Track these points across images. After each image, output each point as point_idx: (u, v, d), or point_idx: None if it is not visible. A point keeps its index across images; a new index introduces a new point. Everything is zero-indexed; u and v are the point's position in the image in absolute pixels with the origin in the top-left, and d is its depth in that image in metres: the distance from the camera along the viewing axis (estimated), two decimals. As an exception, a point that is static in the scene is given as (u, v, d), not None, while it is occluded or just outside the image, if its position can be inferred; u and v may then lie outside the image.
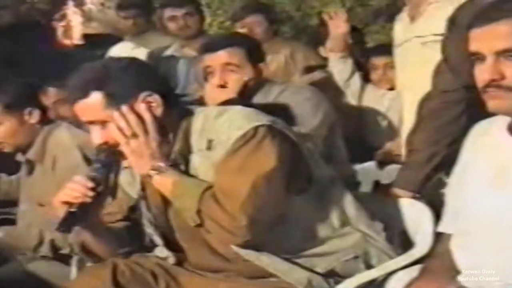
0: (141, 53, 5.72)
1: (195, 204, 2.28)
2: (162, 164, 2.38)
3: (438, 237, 2.38)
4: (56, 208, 2.36)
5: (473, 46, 2.05)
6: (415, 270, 2.32)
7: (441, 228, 2.35)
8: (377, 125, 4.39)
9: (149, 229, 2.61)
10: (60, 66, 5.42)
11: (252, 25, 5.12)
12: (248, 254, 2.38)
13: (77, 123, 3.10)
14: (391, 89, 4.32)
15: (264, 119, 2.36)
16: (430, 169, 2.97)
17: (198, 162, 2.41)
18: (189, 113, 2.47)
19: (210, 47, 3.30)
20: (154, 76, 2.50)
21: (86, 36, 8.21)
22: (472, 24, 2.06)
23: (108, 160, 2.41)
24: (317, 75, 4.55)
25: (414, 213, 2.72)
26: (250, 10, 5.26)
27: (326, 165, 2.56)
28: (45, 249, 3.20)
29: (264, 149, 2.30)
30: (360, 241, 2.49)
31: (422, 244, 2.58)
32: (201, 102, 3.36)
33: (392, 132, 4.26)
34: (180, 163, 2.42)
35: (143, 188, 2.58)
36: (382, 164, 3.96)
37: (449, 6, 3.04)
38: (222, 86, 3.19)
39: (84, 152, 3.21)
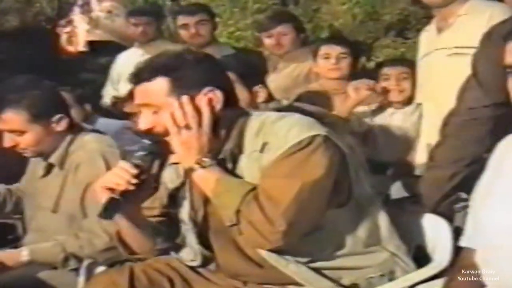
0: (150, 61, 5.74)
1: (237, 203, 2.27)
2: (208, 160, 2.36)
3: (459, 251, 2.36)
4: (98, 193, 2.35)
5: (510, 59, 2.03)
6: (436, 284, 2.31)
7: (463, 243, 2.32)
8: (387, 139, 4.36)
9: (186, 226, 2.59)
10: (63, 72, 5.43)
11: (279, 36, 5.12)
12: (277, 261, 2.37)
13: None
14: (403, 101, 4.29)
15: (321, 129, 2.37)
16: (450, 188, 2.95)
17: (246, 164, 2.40)
18: (246, 115, 2.47)
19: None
20: (221, 73, 2.49)
21: (89, 43, 8.20)
22: (509, 37, 2.04)
23: (153, 148, 2.39)
24: None
25: (432, 228, 2.71)
26: (278, 20, 5.23)
27: (367, 183, 2.54)
28: (72, 263, 3.15)
29: (316, 158, 2.30)
30: (388, 261, 2.50)
31: (441, 259, 2.57)
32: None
33: (403, 145, 4.23)
34: (228, 162, 2.41)
35: (183, 184, 2.57)
36: (393, 178, 3.94)
37: (479, 19, 3.04)
38: None
39: (108, 161, 3.18)
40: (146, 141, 2.40)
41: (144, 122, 2.42)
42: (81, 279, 3.03)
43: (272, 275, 2.42)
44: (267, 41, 5.22)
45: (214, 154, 2.39)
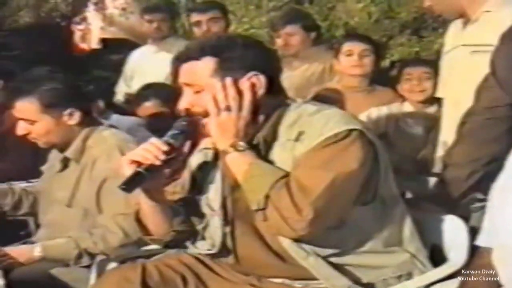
0: (163, 57, 5.73)
1: (267, 187, 2.27)
2: (242, 144, 2.37)
3: (475, 251, 2.34)
4: (123, 166, 2.34)
5: None
6: (452, 284, 2.30)
7: (480, 242, 2.30)
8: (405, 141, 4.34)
9: (212, 212, 2.56)
10: (76, 69, 5.43)
11: (287, 36, 5.12)
12: (296, 252, 2.37)
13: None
14: (424, 101, 4.27)
15: (358, 124, 2.37)
16: (467, 187, 2.93)
17: (279, 152, 2.40)
18: (285, 105, 2.47)
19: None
20: (269, 60, 2.50)
21: (103, 41, 8.22)
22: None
23: (186, 128, 2.39)
24: None
25: (448, 227, 2.69)
26: (286, 20, 5.25)
27: (394, 184, 2.53)
28: (85, 260, 3.13)
29: (351, 152, 2.30)
30: (407, 262, 2.49)
31: (457, 258, 2.55)
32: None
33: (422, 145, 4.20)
34: (261, 149, 2.41)
35: (211, 169, 2.57)
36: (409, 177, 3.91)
37: (506, 15, 2.99)
38: None
39: (124, 155, 3.15)
40: (181, 121, 2.41)
41: (184, 101, 2.43)
42: (93, 275, 3.01)
43: (291, 269, 2.41)
44: (277, 41, 5.23)
45: (248, 140, 2.39)
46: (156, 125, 4.42)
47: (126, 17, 8.19)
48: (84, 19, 8.54)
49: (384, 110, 4.35)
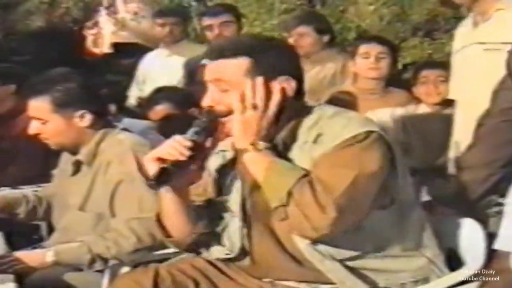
0: (176, 61, 5.78)
1: (289, 185, 2.27)
2: (263, 143, 2.37)
3: (493, 254, 2.32)
4: (147, 164, 2.37)
5: None
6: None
7: (497, 246, 2.28)
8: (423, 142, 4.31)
9: (232, 214, 2.55)
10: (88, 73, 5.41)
11: (298, 37, 5.10)
12: (313, 255, 2.36)
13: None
14: (439, 104, 4.25)
15: (377, 127, 2.39)
16: (484, 190, 2.90)
17: (297, 154, 2.41)
18: (307, 109, 2.48)
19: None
20: (298, 65, 2.52)
21: (114, 45, 8.22)
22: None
23: (208, 125, 2.40)
24: None
25: (464, 230, 2.66)
26: (298, 21, 5.24)
27: (412, 188, 2.54)
28: (98, 265, 3.09)
29: (371, 153, 2.32)
30: (424, 267, 2.47)
31: (474, 262, 2.53)
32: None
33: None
34: (280, 150, 2.41)
35: (230, 171, 2.57)
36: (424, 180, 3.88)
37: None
38: None
39: (139, 159, 3.13)
40: (202, 119, 2.41)
41: (208, 98, 2.44)
42: (105, 280, 3.00)
43: (306, 272, 2.40)
44: (288, 41, 5.17)
45: (268, 141, 2.39)
46: (168, 129, 4.41)
47: (137, 21, 8.17)
48: (96, 24, 8.52)
49: (399, 112, 4.32)
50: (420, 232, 2.49)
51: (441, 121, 4.16)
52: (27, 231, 3.84)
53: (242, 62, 2.39)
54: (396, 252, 2.43)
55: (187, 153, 2.32)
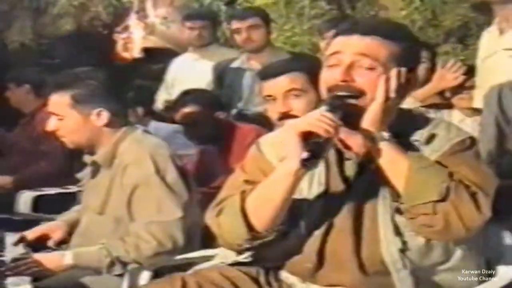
0: (204, 65, 5.76)
1: (445, 180, 2.19)
2: (387, 134, 2.27)
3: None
4: (290, 139, 2.21)
5: None
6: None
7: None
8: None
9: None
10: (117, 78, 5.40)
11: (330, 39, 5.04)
12: (396, 262, 2.27)
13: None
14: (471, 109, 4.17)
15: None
16: None
17: None
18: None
19: (269, 74, 3.13)
20: None
21: (144, 50, 8.22)
22: None
23: (338, 104, 2.25)
24: None
25: (496, 239, 2.61)
26: (331, 24, 5.13)
27: None
28: (118, 268, 3.04)
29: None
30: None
31: (506, 271, 2.48)
32: (265, 115, 3.27)
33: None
34: None
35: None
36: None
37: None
38: (286, 113, 3.02)
39: (156, 162, 3.10)
40: (333, 96, 2.28)
41: (346, 73, 2.27)
42: (125, 284, 2.96)
43: (366, 283, 2.31)
44: (321, 44, 5.19)
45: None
46: (193, 131, 4.39)
47: (167, 26, 8.17)
48: (126, 28, 8.53)
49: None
50: (477, 248, 2.42)
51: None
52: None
53: (394, 48, 2.30)
54: (450, 265, 2.34)
55: (336, 130, 2.18)
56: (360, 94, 2.26)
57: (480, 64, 3.72)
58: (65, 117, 3.18)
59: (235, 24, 5.50)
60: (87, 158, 3.32)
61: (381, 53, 2.28)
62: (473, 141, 2.34)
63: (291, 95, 3.01)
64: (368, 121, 2.26)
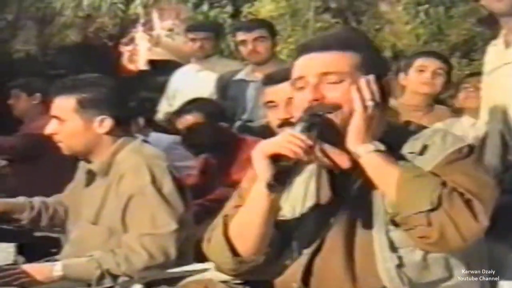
0: (206, 76, 5.73)
1: (437, 188, 2.11)
2: (382, 146, 2.23)
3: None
4: (258, 161, 2.16)
5: None
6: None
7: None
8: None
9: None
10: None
11: None
12: (393, 279, 2.21)
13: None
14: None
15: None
16: None
17: None
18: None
19: (273, 80, 3.12)
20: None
21: (150, 62, 8.24)
22: None
23: (315, 120, 2.20)
24: None
25: (497, 253, 2.51)
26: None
27: None
28: (108, 281, 3.00)
29: (483, 166, 2.30)
30: None
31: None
32: (269, 127, 3.20)
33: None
34: None
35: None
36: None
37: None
38: (287, 120, 2.99)
39: (153, 173, 3.06)
40: (308, 114, 2.23)
41: (312, 92, 2.24)
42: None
43: None
44: None
45: None
46: (194, 140, 4.36)
47: (172, 38, 8.18)
48: (132, 40, 8.53)
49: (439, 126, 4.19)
50: (479, 264, 2.35)
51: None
52: (45, 243, 3.81)
53: (352, 57, 2.27)
54: (454, 283, 2.28)
55: (306, 151, 2.13)
56: (335, 108, 2.23)
57: (486, 78, 3.67)
58: (67, 121, 3.14)
59: (241, 36, 5.44)
60: (82, 165, 3.29)
61: (343, 65, 2.26)
62: (471, 149, 2.26)
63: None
64: (352, 134, 2.22)
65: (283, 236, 2.33)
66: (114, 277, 2.98)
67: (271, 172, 2.11)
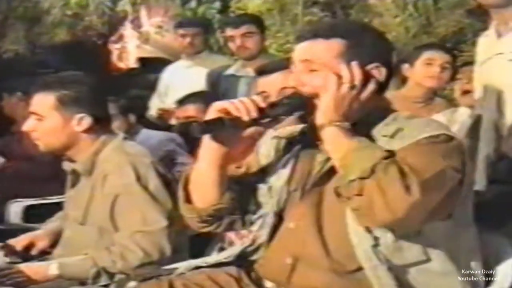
0: (197, 72, 5.73)
1: (375, 159, 2.11)
2: (347, 123, 2.26)
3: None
4: (210, 111, 2.31)
5: None
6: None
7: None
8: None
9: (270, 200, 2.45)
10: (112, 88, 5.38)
11: None
12: (370, 259, 2.22)
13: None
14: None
15: (452, 132, 2.32)
16: None
17: None
18: (387, 111, 2.40)
19: (266, 70, 3.16)
20: (390, 55, 2.45)
21: (140, 60, 8.22)
22: None
23: (295, 101, 2.32)
24: None
25: (494, 246, 2.54)
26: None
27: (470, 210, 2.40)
28: (104, 279, 2.99)
29: (457, 155, 2.22)
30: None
31: (502, 279, 2.44)
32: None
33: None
34: None
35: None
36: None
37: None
38: None
39: (138, 170, 3.05)
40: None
41: (295, 78, 2.36)
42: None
43: (338, 282, 2.27)
44: None
45: None
46: (188, 130, 4.36)
47: (161, 35, 8.17)
48: (121, 38, 8.52)
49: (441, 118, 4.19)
50: (465, 251, 2.35)
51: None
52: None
53: (338, 44, 2.32)
54: (438, 268, 2.28)
55: (254, 115, 2.26)
56: (312, 97, 2.30)
57: (478, 68, 3.67)
58: (45, 118, 3.11)
59: (230, 32, 5.46)
60: (66, 165, 3.26)
61: (323, 53, 2.32)
62: (450, 138, 2.24)
63: (286, 92, 3.01)
64: (320, 109, 2.28)
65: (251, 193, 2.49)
66: (110, 275, 2.98)
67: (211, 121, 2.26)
